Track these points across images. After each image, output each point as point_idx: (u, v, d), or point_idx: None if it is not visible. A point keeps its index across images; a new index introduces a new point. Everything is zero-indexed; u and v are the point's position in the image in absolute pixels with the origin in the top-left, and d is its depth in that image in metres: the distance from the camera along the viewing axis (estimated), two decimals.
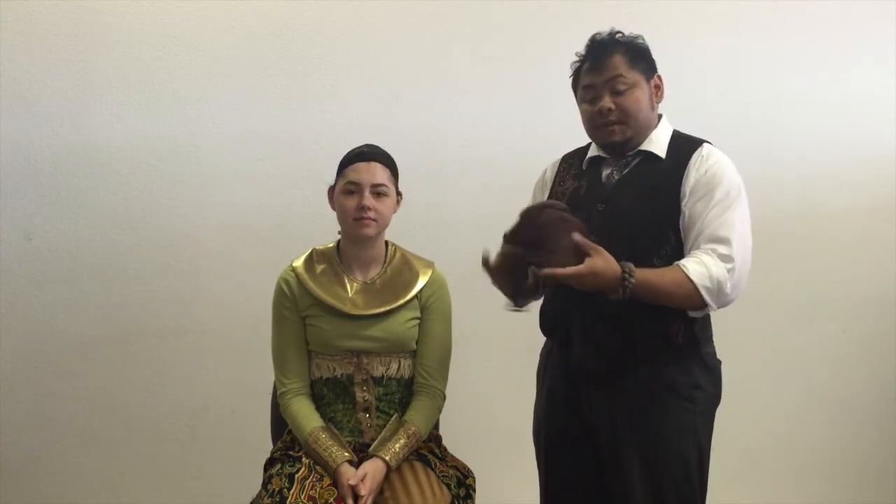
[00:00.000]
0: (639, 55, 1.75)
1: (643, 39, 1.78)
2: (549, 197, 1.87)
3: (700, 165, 1.70)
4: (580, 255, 1.57)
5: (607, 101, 1.73)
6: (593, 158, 1.83)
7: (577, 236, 1.58)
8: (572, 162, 1.88)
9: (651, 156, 1.75)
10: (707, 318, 1.79)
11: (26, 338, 2.51)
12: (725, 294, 1.64)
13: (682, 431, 1.72)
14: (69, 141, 2.49)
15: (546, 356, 1.91)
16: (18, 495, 2.54)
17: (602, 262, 1.58)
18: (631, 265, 1.59)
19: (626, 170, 1.77)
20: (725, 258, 1.64)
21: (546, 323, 1.89)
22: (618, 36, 1.76)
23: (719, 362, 1.81)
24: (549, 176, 1.92)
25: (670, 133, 1.79)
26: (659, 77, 1.78)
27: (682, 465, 1.72)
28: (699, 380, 1.74)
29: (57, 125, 2.48)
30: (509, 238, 1.63)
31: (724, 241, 1.64)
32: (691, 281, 1.61)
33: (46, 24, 2.45)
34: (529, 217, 1.64)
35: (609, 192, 1.76)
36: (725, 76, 2.80)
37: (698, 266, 1.62)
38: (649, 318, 1.68)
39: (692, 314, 1.70)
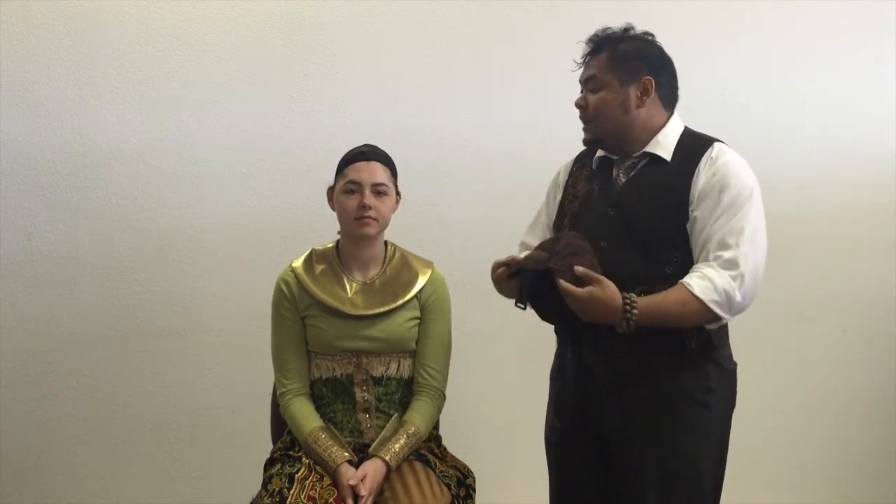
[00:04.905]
0: (622, 58, 1.71)
1: (640, 40, 1.74)
2: (562, 199, 1.85)
3: (709, 168, 1.65)
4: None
5: (581, 98, 1.76)
6: (603, 158, 1.80)
7: (579, 269, 1.57)
8: (585, 162, 1.85)
9: (657, 158, 1.71)
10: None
11: (26, 338, 2.51)
12: (736, 303, 1.60)
13: (694, 437, 1.69)
14: (69, 141, 2.49)
15: (560, 357, 1.89)
16: (18, 495, 2.54)
17: (601, 291, 1.56)
18: (632, 295, 1.57)
19: (633, 172, 1.73)
20: (730, 265, 1.59)
21: (560, 325, 1.86)
22: (610, 33, 1.74)
23: (735, 364, 1.77)
24: (562, 179, 1.89)
25: (680, 133, 1.74)
26: (648, 80, 1.71)
27: (694, 470, 1.69)
28: (713, 383, 1.70)
29: (57, 125, 2.48)
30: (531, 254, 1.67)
31: (729, 246, 1.59)
32: (697, 298, 1.57)
33: (47, 24, 2.45)
34: (552, 241, 1.67)
35: (617, 195, 1.73)
36: (725, 76, 2.80)
37: (702, 281, 1.58)
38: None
39: (709, 326, 1.66)
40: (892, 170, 2.90)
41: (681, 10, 2.75)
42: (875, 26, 2.88)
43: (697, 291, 1.57)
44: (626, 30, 1.76)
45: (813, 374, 2.92)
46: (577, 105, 1.76)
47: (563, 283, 1.58)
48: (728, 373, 1.75)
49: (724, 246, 1.60)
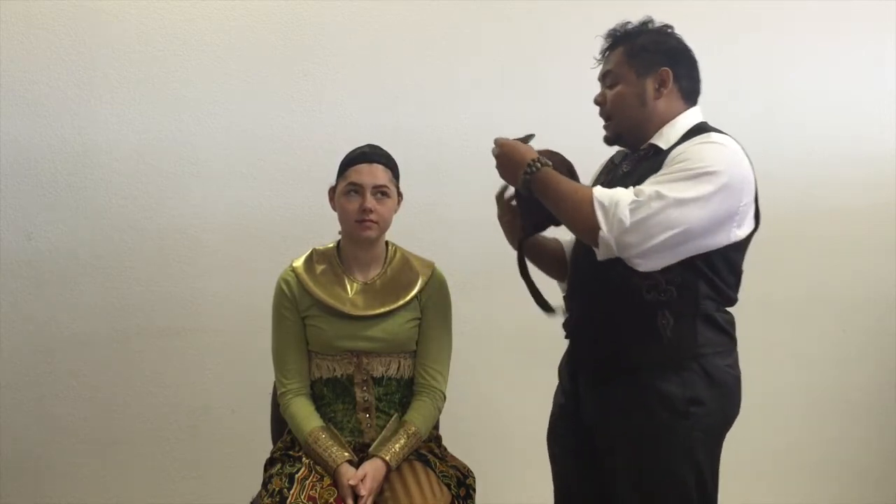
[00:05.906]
0: (639, 51, 1.67)
1: (658, 33, 1.70)
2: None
3: (679, 147, 1.58)
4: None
5: (599, 95, 1.74)
6: (623, 152, 1.78)
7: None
8: (614, 156, 1.83)
9: (658, 150, 1.64)
10: (713, 319, 1.63)
11: (26, 338, 2.51)
12: (619, 219, 1.48)
13: (675, 450, 1.60)
14: (69, 141, 2.49)
15: (565, 351, 1.89)
16: (18, 495, 2.54)
17: (521, 144, 1.65)
18: (549, 161, 1.62)
19: (634, 164, 1.69)
20: (640, 193, 1.51)
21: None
22: (629, 27, 1.71)
23: (735, 377, 1.66)
24: (595, 171, 1.87)
25: (691, 125, 1.66)
26: (665, 71, 1.66)
27: (676, 486, 1.60)
28: (699, 394, 1.59)
29: (57, 125, 2.48)
30: None
31: (649, 192, 1.51)
32: (590, 193, 1.53)
33: (47, 24, 2.45)
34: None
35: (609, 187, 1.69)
36: (726, 76, 2.80)
37: (609, 189, 1.55)
38: (632, 306, 1.59)
39: (596, 251, 1.55)
40: (892, 170, 2.90)
41: (680, 10, 2.73)
42: (875, 26, 2.88)
43: (596, 188, 1.56)
44: (644, 23, 1.72)
45: (813, 374, 2.92)
46: (596, 101, 1.73)
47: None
48: (722, 385, 1.62)
49: (644, 190, 1.53)
